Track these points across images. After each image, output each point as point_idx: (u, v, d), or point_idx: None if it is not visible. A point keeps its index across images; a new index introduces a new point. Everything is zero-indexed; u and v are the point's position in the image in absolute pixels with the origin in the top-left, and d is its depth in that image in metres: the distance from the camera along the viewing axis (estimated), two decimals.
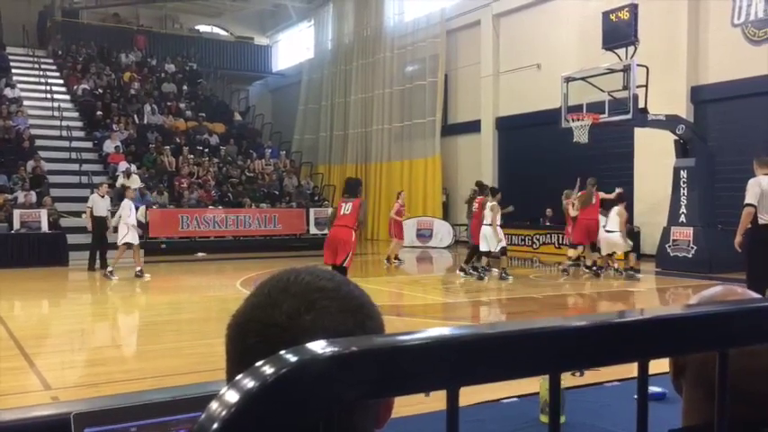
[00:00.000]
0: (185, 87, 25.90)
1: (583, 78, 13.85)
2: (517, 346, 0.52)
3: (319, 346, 0.47)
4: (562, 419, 2.31)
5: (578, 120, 13.56)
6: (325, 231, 20.24)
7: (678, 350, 0.62)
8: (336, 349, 0.47)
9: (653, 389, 3.26)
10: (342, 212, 8.82)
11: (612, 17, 13.56)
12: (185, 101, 24.90)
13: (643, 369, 0.58)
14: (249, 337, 0.71)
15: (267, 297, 0.73)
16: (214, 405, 0.45)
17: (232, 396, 0.45)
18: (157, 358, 6.54)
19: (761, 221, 6.70)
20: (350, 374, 0.47)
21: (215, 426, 0.43)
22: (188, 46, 29.24)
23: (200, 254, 17.42)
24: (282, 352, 0.47)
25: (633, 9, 13.20)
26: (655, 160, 15.06)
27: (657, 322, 0.58)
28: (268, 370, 0.46)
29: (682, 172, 13.52)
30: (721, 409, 0.97)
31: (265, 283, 0.76)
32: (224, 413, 0.43)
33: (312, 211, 20.39)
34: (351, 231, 8.70)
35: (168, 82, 25.69)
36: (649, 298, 11.27)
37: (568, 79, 14.14)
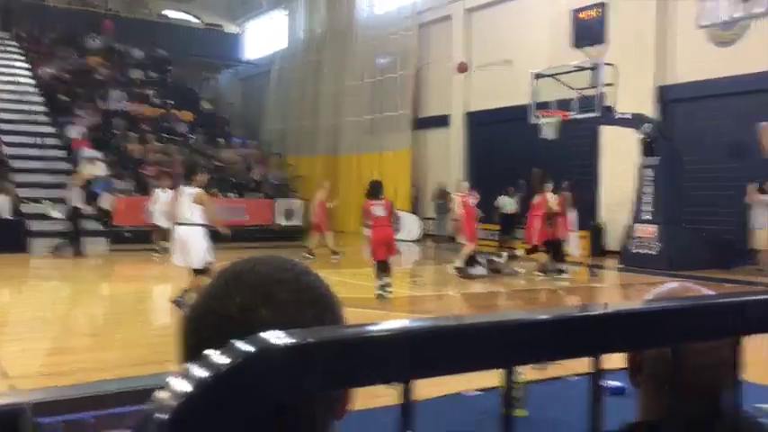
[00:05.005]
0: (153, 74, 25.53)
1: (552, 75, 13.97)
2: (472, 339, 0.53)
3: (274, 336, 0.47)
4: (524, 413, 2.35)
5: (547, 116, 13.68)
6: (295, 222, 20.40)
7: (631, 346, 0.63)
8: (291, 340, 0.46)
9: (613, 383, 3.30)
10: (376, 214, 9.60)
11: (582, 16, 13.72)
12: (153, 87, 24.55)
13: (596, 364, 0.59)
14: (204, 329, 0.68)
15: (224, 288, 0.70)
16: (162, 394, 0.42)
17: (182, 385, 0.44)
18: (121, 348, 6.46)
19: None
20: (303, 366, 0.47)
21: (165, 416, 0.42)
22: (156, 32, 28.77)
23: (165, 243, 17.20)
24: (236, 341, 0.47)
25: (602, 8, 13.35)
26: (621, 158, 15.26)
27: (611, 317, 0.59)
28: (220, 359, 0.46)
29: (647, 170, 13.73)
30: (676, 402, 0.99)
31: (223, 272, 0.73)
32: (173, 403, 0.42)
33: (280, 201, 20.29)
34: (391, 229, 9.96)
35: (135, 68, 25.30)
36: (612, 294, 11.46)
37: (538, 76, 14.24)
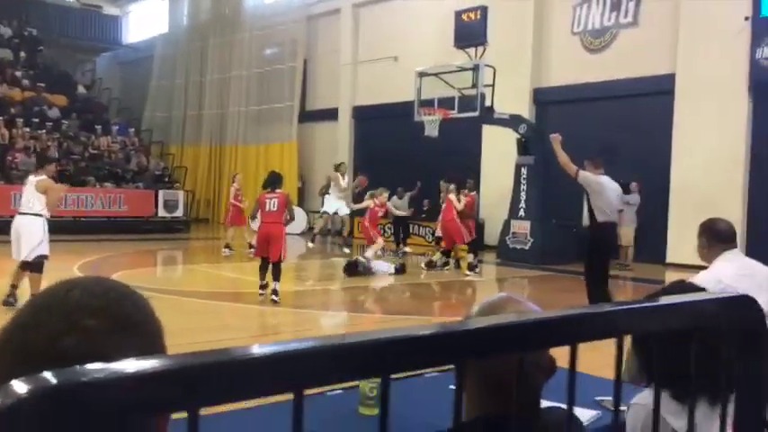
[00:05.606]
0: (23, 54, 23.96)
1: (436, 74, 14.29)
2: (257, 368, 0.57)
3: (57, 375, 0.49)
4: (377, 411, 2.43)
5: (430, 114, 13.99)
6: (177, 215, 19.79)
7: (414, 366, 0.69)
8: (49, 383, 0.48)
9: None
10: (268, 208, 8.97)
11: (465, 17, 14.10)
12: (23, 69, 23.05)
13: (385, 383, 0.65)
14: (7, 360, 0.67)
15: (31, 316, 0.68)
16: None
17: None
18: None
19: (600, 219, 6.99)
20: (92, 404, 0.49)
21: None
22: (27, 9, 26.98)
23: None
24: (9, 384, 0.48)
25: (483, 11, 13.79)
26: (500, 157, 15.84)
27: (395, 341, 0.65)
28: (17, 390, 0.47)
29: (522, 169, 14.34)
30: (495, 401, 1.07)
31: (37, 297, 0.72)
32: None
33: (162, 192, 19.66)
34: (282, 227, 9.02)
35: (3, 47, 23.67)
36: (488, 288, 11.94)
37: (422, 74, 14.53)
